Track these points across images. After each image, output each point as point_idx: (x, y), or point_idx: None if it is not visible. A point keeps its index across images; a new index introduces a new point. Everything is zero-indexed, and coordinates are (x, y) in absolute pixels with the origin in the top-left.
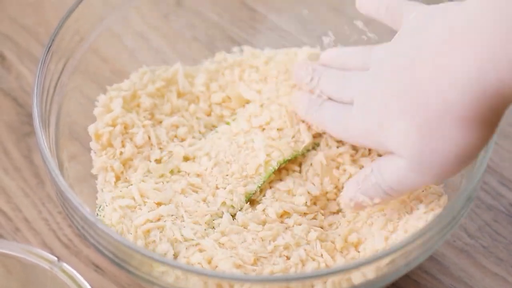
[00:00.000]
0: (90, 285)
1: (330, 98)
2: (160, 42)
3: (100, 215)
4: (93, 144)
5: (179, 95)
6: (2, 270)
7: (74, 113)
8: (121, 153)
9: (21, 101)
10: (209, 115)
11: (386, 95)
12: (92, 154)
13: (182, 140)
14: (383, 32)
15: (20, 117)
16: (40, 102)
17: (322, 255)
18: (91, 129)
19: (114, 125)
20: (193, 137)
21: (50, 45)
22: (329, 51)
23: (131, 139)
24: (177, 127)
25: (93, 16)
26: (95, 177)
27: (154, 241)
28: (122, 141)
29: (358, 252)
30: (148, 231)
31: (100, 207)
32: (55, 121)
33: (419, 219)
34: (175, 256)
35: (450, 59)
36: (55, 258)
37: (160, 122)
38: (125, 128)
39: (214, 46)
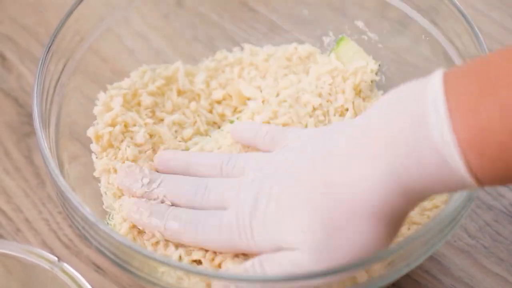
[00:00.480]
0: (91, 285)
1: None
2: (160, 42)
3: (110, 224)
4: (93, 146)
5: (179, 93)
6: (2, 270)
7: (74, 113)
8: (122, 154)
9: (21, 101)
10: (210, 112)
11: (290, 191)
12: (93, 156)
13: (186, 139)
14: (384, 32)
15: (20, 117)
16: (40, 102)
17: None
18: (91, 131)
19: (114, 125)
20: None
21: (50, 45)
22: (163, 156)
23: (131, 138)
24: (179, 124)
25: (93, 16)
26: (95, 177)
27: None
28: (122, 141)
29: None
30: (157, 243)
31: (110, 216)
32: (55, 121)
33: (422, 215)
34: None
35: (360, 163)
36: (56, 258)
37: (161, 120)
38: (126, 126)
39: (214, 46)
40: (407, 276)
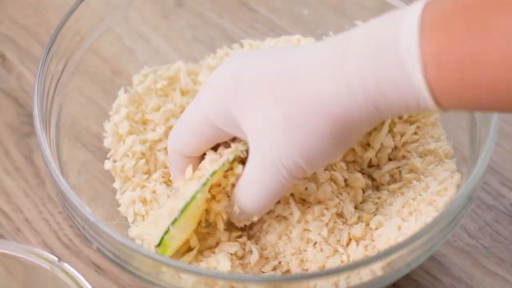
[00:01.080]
0: (91, 285)
1: None
2: (160, 43)
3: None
4: (116, 184)
5: (183, 93)
6: (2, 271)
7: (74, 113)
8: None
9: (21, 102)
10: None
11: (261, 85)
12: (118, 194)
13: None
14: None
15: (20, 117)
16: (40, 102)
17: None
18: (108, 166)
19: (131, 153)
20: None
21: (51, 46)
22: None
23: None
24: None
25: (94, 17)
26: (95, 176)
27: None
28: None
29: (373, 240)
30: None
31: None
32: (56, 121)
33: (430, 204)
34: None
35: (328, 66)
36: (56, 258)
37: (167, 119)
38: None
39: (214, 46)
40: (407, 276)
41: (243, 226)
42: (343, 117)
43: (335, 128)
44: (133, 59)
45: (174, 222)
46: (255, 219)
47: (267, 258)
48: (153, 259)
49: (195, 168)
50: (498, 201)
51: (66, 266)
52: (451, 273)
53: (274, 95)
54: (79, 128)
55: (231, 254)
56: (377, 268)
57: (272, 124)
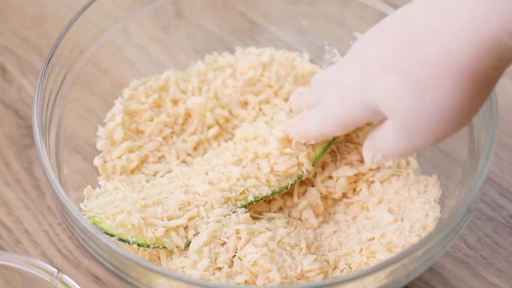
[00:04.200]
0: None
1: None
2: (160, 54)
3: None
4: (101, 180)
5: (174, 102)
6: (2, 282)
7: (74, 124)
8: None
9: (22, 113)
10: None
11: (381, 55)
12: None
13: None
14: None
15: (20, 129)
16: (40, 113)
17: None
18: (97, 162)
19: (125, 157)
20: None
21: (50, 57)
22: (316, 76)
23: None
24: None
25: (94, 29)
26: (95, 187)
27: None
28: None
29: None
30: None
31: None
32: (56, 133)
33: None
34: None
35: (449, 14)
36: (55, 270)
37: (160, 131)
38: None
39: None
40: (406, 287)
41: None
42: (472, 69)
43: (466, 84)
44: (133, 71)
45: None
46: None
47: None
48: (152, 270)
49: None
50: (497, 212)
51: (66, 277)
52: (450, 284)
53: (397, 64)
54: (79, 140)
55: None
56: (377, 279)
57: (402, 94)
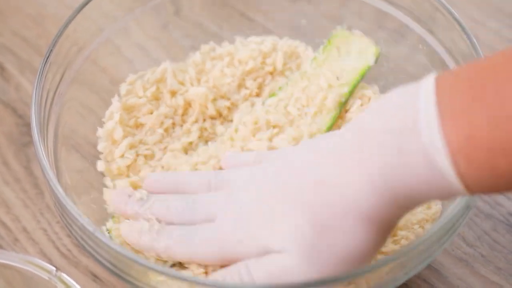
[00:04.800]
0: None
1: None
2: (159, 52)
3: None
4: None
5: (172, 93)
6: (1, 281)
7: (72, 123)
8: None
9: (20, 112)
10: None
11: (277, 194)
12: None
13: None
14: (381, 42)
15: (19, 127)
16: (38, 112)
17: None
18: (101, 167)
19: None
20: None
21: (48, 55)
22: (151, 178)
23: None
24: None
25: (92, 26)
26: (93, 187)
27: None
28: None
29: None
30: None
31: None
32: (54, 131)
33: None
34: None
35: (351, 166)
36: (54, 268)
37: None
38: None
39: None
40: (405, 285)
41: None
42: (373, 213)
43: (368, 226)
44: (131, 69)
45: None
46: None
47: None
48: (151, 269)
49: None
50: (496, 210)
51: (64, 276)
52: (449, 281)
53: (298, 204)
54: (77, 138)
55: None
56: (376, 276)
57: (302, 236)
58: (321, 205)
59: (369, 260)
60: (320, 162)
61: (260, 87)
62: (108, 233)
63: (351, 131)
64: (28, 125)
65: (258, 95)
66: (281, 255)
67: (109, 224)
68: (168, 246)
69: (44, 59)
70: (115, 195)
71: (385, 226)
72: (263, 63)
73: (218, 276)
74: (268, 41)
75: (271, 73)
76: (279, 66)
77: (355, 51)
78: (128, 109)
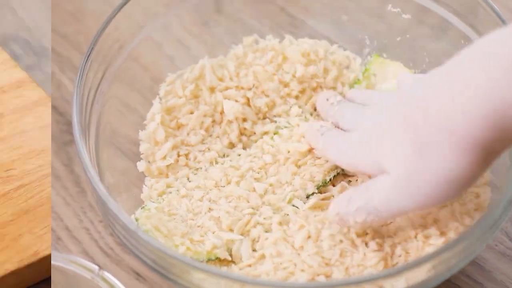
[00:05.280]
0: None
1: (338, 127)
2: (199, 49)
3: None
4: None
5: (211, 90)
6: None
7: (114, 121)
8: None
9: (61, 110)
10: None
11: (393, 115)
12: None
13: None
14: (423, 37)
15: (60, 126)
16: (79, 110)
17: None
18: (141, 167)
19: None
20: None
21: (90, 53)
22: (352, 91)
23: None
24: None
25: (133, 24)
26: (135, 185)
27: None
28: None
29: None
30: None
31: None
32: (95, 129)
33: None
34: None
35: (459, 87)
36: (96, 267)
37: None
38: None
39: None
40: (448, 280)
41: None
42: (475, 140)
43: (474, 153)
44: (172, 67)
45: None
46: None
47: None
48: (193, 267)
49: None
50: None
51: (107, 274)
52: (492, 277)
53: (406, 128)
54: (119, 136)
55: None
56: (419, 273)
57: (406, 153)
58: (423, 128)
59: (466, 188)
60: (426, 93)
61: (304, 91)
62: (136, 221)
63: (454, 63)
64: (69, 123)
65: (297, 97)
66: (387, 178)
67: (138, 212)
68: (324, 148)
69: (85, 57)
70: (323, 96)
71: (489, 156)
72: (315, 75)
73: (344, 198)
74: (321, 48)
75: (318, 84)
76: (330, 81)
77: (390, 76)
78: (169, 110)
